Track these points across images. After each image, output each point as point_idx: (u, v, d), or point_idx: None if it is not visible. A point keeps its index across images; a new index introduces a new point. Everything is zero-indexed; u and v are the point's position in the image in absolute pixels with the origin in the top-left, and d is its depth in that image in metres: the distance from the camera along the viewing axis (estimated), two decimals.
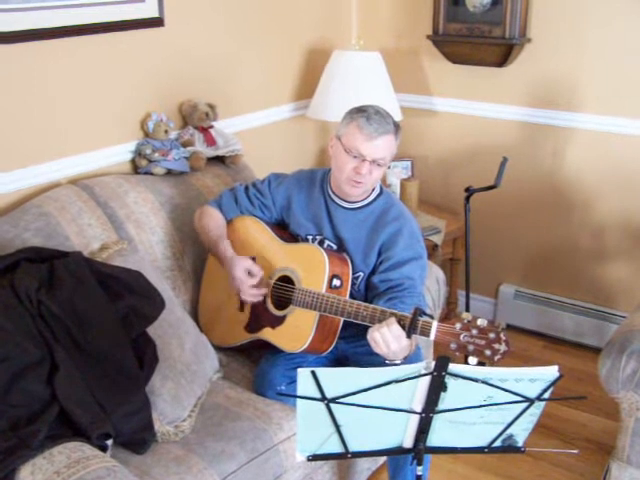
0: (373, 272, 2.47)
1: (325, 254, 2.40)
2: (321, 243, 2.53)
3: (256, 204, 2.64)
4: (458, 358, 2.01)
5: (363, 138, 2.34)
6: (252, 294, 2.47)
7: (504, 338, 1.96)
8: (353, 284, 2.47)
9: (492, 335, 1.97)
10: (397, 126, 2.41)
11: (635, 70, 3.33)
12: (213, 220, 2.63)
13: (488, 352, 1.97)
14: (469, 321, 2.00)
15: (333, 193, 2.52)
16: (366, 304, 2.25)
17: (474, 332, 1.99)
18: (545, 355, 3.69)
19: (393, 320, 2.12)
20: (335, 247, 2.52)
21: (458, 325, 2.01)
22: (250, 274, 2.47)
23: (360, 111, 2.38)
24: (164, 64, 3.00)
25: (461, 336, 2.00)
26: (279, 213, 2.64)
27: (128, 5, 2.80)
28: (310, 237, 2.55)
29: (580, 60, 3.44)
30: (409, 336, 2.12)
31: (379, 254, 2.46)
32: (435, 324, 2.07)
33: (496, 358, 1.97)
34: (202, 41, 3.16)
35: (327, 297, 2.32)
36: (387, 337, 2.09)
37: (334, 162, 2.46)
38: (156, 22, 2.92)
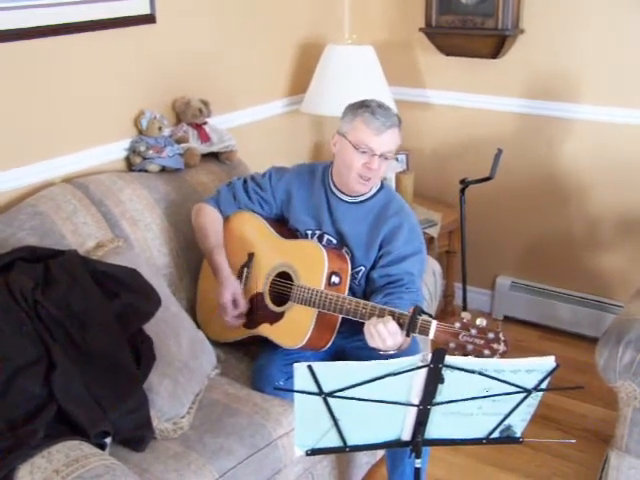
0: (373, 266, 2.47)
1: (324, 251, 2.40)
2: (320, 238, 2.53)
3: (255, 199, 2.63)
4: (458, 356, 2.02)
5: (371, 132, 2.35)
6: (232, 322, 2.53)
7: (503, 338, 1.97)
8: (354, 278, 2.47)
9: (491, 335, 1.97)
10: (399, 118, 2.43)
11: (629, 59, 3.33)
12: (210, 221, 2.62)
13: (487, 352, 1.97)
14: (468, 320, 2.00)
15: (335, 187, 2.52)
16: (365, 302, 2.25)
17: (473, 332, 1.99)
18: (542, 346, 3.69)
19: (389, 317, 2.12)
20: (335, 241, 2.52)
21: (457, 324, 2.01)
22: (235, 303, 2.50)
23: (363, 106, 2.39)
24: (156, 61, 3.00)
25: (460, 335, 2.00)
26: (279, 208, 2.63)
27: (120, 2, 2.80)
28: (309, 232, 2.55)
29: (574, 50, 3.44)
30: (408, 335, 2.12)
31: (380, 248, 2.46)
32: (434, 323, 2.07)
33: (495, 358, 1.97)
34: (194, 37, 3.15)
35: (326, 294, 2.32)
36: (383, 333, 2.10)
37: (340, 160, 2.45)
38: (148, 19, 2.91)
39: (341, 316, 2.33)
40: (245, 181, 2.66)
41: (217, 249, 2.57)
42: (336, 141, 2.46)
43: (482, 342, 1.97)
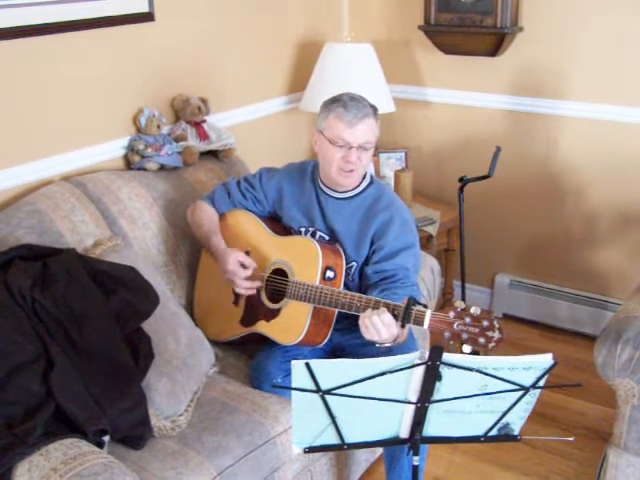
0: (367, 262, 2.47)
1: (318, 246, 2.40)
2: (313, 235, 2.53)
3: (248, 197, 2.64)
4: (454, 345, 2.02)
5: (344, 126, 2.35)
6: (246, 286, 2.47)
7: (497, 325, 1.97)
8: (347, 274, 2.47)
9: (486, 323, 1.98)
10: (374, 107, 2.42)
11: (628, 58, 3.33)
12: (206, 214, 2.63)
13: (482, 340, 1.97)
14: (462, 309, 2.01)
15: (323, 184, 2.52)
16: (360, 295, 2.25)
17: (467, 320, 1.99)
18: (541, 344, 3.70)
19: (384, 308, 2.13)
20: (327, 238, 2.52)
21: (452, 314, 2.01)
22: (243, 266, 2.47)
23: (335, 101, 2.40)
24: (155, 59, 3.00)
25: (455, 324, 2.01)
26: (271, 206, 2.64)
27: (118, 0, 2.79)
28: (303, 229, 2.55)
29: (573, 48, 3.44)
30: (403, 325, 2.12)
31: (371, 244, 2.46)
32: (429, 313, 2.07)
33: (490, 346, 1.97)
34: (193, 35, 3.15)
35: (321, 289, 2.32)
36: (377, 325, 2.11)
37: (321, 156, 2.47)
38: (146, 17, 2.91)
39: (337, 311, 2.34)
40: (239, 181, 2.67)
41: (214, 234, 2.57)
42: (316, 139, 2.47)
43: (477, 330, 1.98)
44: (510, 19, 3.45)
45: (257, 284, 2.49)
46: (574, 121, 3.52)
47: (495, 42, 3.52)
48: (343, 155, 2.38)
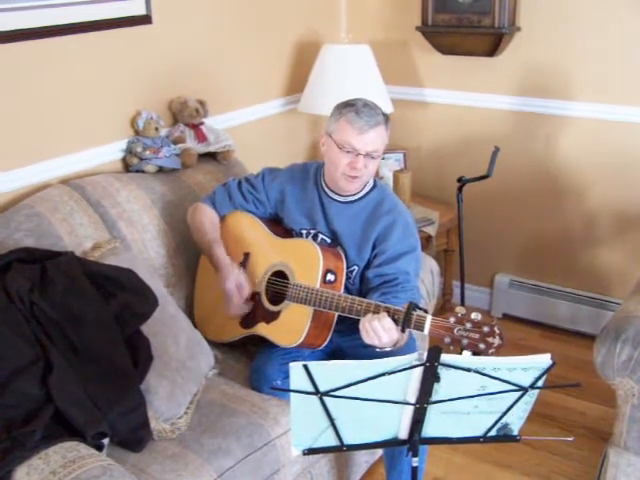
0: (367, 266, 2.47)
1: (319, 249, 2.40)
2: (315, 237, 2.53)
3: (250, 199, 2.63)
4: (454, 351, 2.01)
5: (355, 132, 2.34)
6: (236, 311, 2.50)
7: (498, 332, 1.97)
8: (348, 278, 2.47)
9: (486, 329, 1.97)
10: (386, 116, 2.41)
11: (626, 57, 3.33)
12: (207, 219, 2.62)
13: (482, 346, 1.97)
14: (463, 315, 2.00)
15: (327, 187, 2.52)
16: (360, 299, 2.25)
17: (468, 326, 1.99)
18: (541, 344, 3.69)
19: (384, 313, 2.12)
20: (329, 241, 2.52)
21: (452, 319, 2.01)
22: (239, 288, 2.48)
23: (348, 105, 2.38)
24: (153, 61, 3.00)
25: (455, 330, 2.00)
26: (273, 208, 2.64)
27: (116, 3, 2.79)
28: (304, 231, 2.55)
29: (570, 47, 3.44)
30: (403, 330, 2.12)
31: (373, 247, 2.46)
32: (429, 318, 2.07)
33: (490, 352, 1.97)
34: (191, 37, 3.15)
35: (321, 292, 2.32)
36: (378, 329, 2.11)
37: (327, 159, 2.45)
38: (144, 19, 2.91)
39: (337, 314, 2.33)
40: (240, 182, 2.66)
41: (216, 243, 2.57)
42: (324, 141, 2.46)
43: (477, 336, 1.98)
44: (508, 19, 3.45)
45: (248, 308, 2.50)
46: (573, 121, 3.52)
47: (493, 42, 3.52)
48: (349, 161, 2.37)
